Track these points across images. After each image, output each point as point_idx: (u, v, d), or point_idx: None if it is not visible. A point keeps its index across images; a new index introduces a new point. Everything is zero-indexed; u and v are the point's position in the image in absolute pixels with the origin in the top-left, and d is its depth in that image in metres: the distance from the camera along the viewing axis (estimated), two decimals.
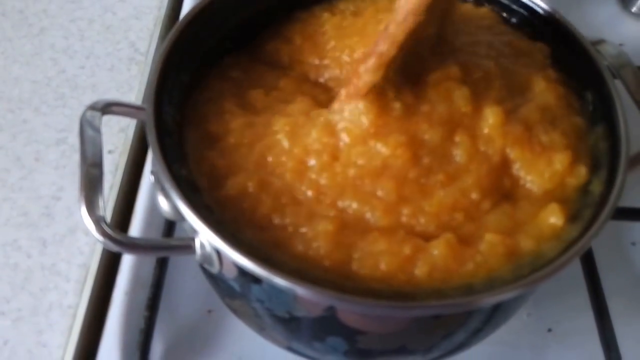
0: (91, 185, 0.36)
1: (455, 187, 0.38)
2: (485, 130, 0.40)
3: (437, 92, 0.40)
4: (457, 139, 0.39)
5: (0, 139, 0.58)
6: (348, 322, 0.36)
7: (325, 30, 0.46)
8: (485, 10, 0.49)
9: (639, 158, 0.41)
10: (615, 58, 0.45)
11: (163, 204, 0.37)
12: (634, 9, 0.74)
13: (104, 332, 0.48)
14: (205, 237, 0.35)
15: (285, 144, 0.39)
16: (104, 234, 0.35)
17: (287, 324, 0.39)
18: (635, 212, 0.55)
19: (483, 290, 0.33)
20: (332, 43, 0.45)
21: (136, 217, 0.55)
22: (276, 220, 0.37)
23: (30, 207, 0.54)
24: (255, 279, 0.35)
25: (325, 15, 0.48)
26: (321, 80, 0.45)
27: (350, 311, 0.35)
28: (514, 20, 0.49)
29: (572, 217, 0.37)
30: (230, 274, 0.38)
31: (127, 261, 0.52)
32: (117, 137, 0.59)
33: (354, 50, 0.44)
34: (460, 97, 0.40)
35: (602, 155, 0.40)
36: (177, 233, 0.53)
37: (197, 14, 0.44)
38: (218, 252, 0.36)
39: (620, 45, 0.47)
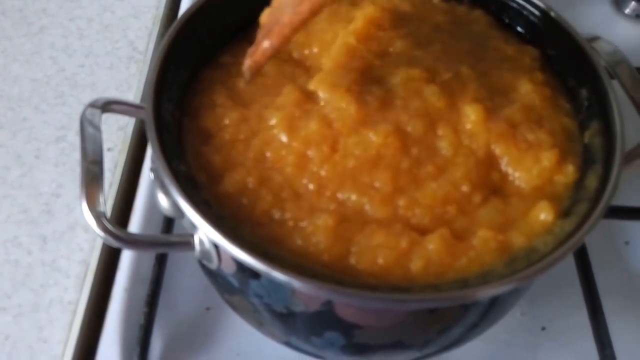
0: (92, 181, 0.37)
1: (445, 180, 0.39)
2: (468, 126, 0.41)
3: (405, 89, 0.42)
4: (440, 132, 0.40)
5: (1, 137, 0.59)
6: (345, 317, 0.37)
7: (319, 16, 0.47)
8: (478, 13, 0.49)
9: (635, 154, 0.42)
10: (611, 55, 0.46)
11: (162, 201, 0.38)
12: (627, 11, 0.74)
13: (104, 328, 0.49)
14: (204, 233, 0.35)
15: (284, 138, 0.40)
16: (104, 229, 0.35)
17: (285, 319, 0.39)
18: (629, 210, 0.56)
19: (478, 284, 0.33)
20: (322, 25, 0.46)
21: (135, 214, 0.55)
22: (276, 215, 0.38)
23: (30, 204, 0.55)
24: (254, 274, 0.36)
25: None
26: (302, 57, 0.46)
27: (347, 305, 0.36)
28: (508, 19, 0.49)
29: (565, 213, 0.38)
30: (229, 269, 0.38)
31: (127, 258, 0.52)
32: (117, 135, 0.60)
33: (339, 34, 0.45)
34: (431, 93, 0.42)
35: (598, 150, 0.40)
36: (176, 230, 0.53)
37: (194, 13, 0.44)
38: (217, 248, 0.37)
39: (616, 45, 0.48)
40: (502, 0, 0.49)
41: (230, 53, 0.47)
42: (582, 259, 0.52)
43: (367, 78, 0.42)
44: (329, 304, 0.36)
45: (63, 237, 0.53)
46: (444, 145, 0.40)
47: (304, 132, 0.40)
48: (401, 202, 0.38)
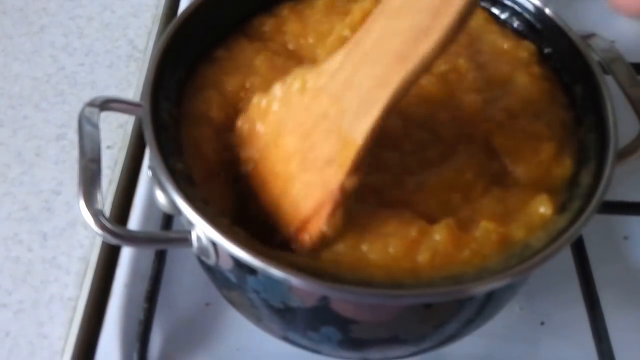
0: (89, 179, 0.37)
1: (448, 165, 0.39)
2: (467, 114, 0.41)
3: None
4: (440, 118, 0.41)
5: (1, 135, 0.59)
6: (341, 312, 0.37)
7: (315, 6, 0.47)
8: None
9: (630, 150, 0.42)
10: (606, 52, 0.46)
11: (160, 197, 0.38)
12: None
13: (104, 324, 0.49)
14: (201, 230, 0.36)
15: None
16: (102, 227, 0.36)
17: (283, 315, 0.39)
18: (628, 205, 0.56)
19: (471, 280, 0.34)
20: (318, 16, 0.46)
21: (135, 211, 0.56)
22: None
23: (30, 201, 0.55)
24: (251, 270, 0.36)
25: None
26: (297, 48, 0.46)
27: (343, 301, 0.36)
28: (504, 16, 0.49)
29: (560, 208, 0.38)
30: (226, 265, 0.39)
31: (127, 254, 0.53)
32: (116, 133, 0.60)
33: (335, 26, 0.45)
34: (429, 83, 0.42)
35: (591, 147, 0.40)
36: (176, 227, 0.54)
37: (193, 11, 0.44)
38: (214, 244, 0.37)
39: (612, 42, 0.48)
40: None
41: (224, 47, 0.46)
42: (580, 254, 0.52)
43: None
44: (325, 299, 0.36)
45: (63, 234, 0.53)
46: (445, 131, 0.40)
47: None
48: (410, 185, 0.38)
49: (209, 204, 0.37)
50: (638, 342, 0.49)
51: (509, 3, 0.49)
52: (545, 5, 0.47)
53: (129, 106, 0.42)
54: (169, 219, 0.54)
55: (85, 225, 0.53)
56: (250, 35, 0.47)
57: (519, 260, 0.35)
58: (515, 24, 0.48)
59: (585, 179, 0.39)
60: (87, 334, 0.50)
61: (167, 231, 0.52)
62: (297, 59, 0.45)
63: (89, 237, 0.53)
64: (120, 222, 0.55)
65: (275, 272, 0.33)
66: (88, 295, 0.51)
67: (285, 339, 0.43)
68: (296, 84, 0.36)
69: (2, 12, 0.70)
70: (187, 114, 0.42)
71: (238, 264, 0.37)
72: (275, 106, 0.37)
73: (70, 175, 0.57)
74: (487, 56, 0.46)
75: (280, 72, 0.43)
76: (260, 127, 0.38)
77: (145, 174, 0.58)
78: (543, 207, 0.38)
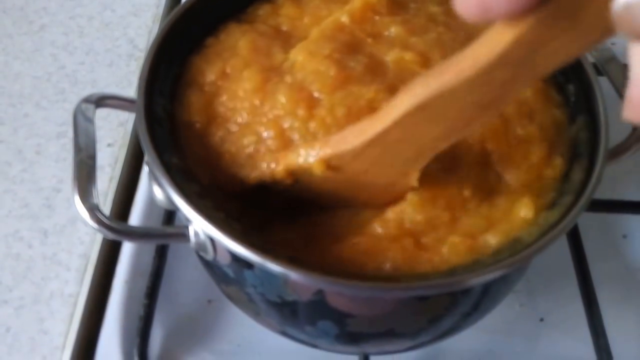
0: (84, 174, 0.37)
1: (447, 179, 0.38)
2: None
3: (397, 66, 0.41)
4: None
5: (2, 133, 0.60)
6: (337, 306, 0.37)
7: None
8: None
9: (622, 148, 0.42)
10: (601, 52, 0.46)
11: (157, 193, 0.38)
12: None
13: (104, 320, 0.49)
14: (199, 225, 0.36)
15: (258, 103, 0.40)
16: (98, 221, 0.36)
17: (280, 309, 0.40)
18: (626, 204, 0.56)
19: (463, 273, 0.34)
20: (317, 3, 0.46)
21: (135, 208, 0.56)
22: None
23: (31, 198, 0.55)
24: (248, 265, 0.36)
25: None
26: (291, 29, 0.45)
27: (338, 294, 0.36)
28: None
29: (551, 204, 0.38)
30: (224, 260, 0.39)
31: (127, 251, 0.53)
32: (117, 131, 0.60)
33: (333, 13, 0.44)
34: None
35: (583, 144, 0.40)
36: (177, 224, 0.54)
37: (188, 8, 0.44)
38: (211, 239, 0.37)
39: (612, 44, 0.48)
40: None
41: (214, 34, 0.45)
42: (579, 252, 0.52)
43: (354, 50, 0.42)
44: (320, 293, 0.36)
45: (64, 231, 0.54)
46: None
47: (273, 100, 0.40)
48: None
49: (205, 198, 0.37)
50: (634, 338, 0.50)
51: None
52: None
53: (125, 102, 0.43)
54: (170, 218, 0.54)
55: (86, 222, 0.54)
56: (242, 20, 0.47)
57: (510, 254, 0.35)
58: None
59: (577, 175, 0.39)
60: (87, 330, 0.50)
61: (164, 226, 0.53)
62: (283, 39, 0.44)
63: (90, 234, 0.54)
64: (122, 220, 0.55)
65: (271, 265, 0.33)
66: (88, 291, 0.51)
67: (284, 333, 0.43)
68: (309, 166, 0.36)
69: (3, 11, 0.70)
70: (179, 111, 0.42)
71: (235, 258, 0.37)
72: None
73: (71, 173, 0.57)
74: None
75: (262, 54, 0.42)
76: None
77: (146, 171, 0.58)
78: (524, 211, 0.37)
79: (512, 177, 0.39)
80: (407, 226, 0.37)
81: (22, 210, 0.55)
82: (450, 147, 0.36)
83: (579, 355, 0.48)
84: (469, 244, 0.36)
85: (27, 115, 0.61)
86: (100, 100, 0.41)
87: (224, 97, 0.41)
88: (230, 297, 0.45)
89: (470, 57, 0.28)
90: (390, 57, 0.42)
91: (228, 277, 0.41)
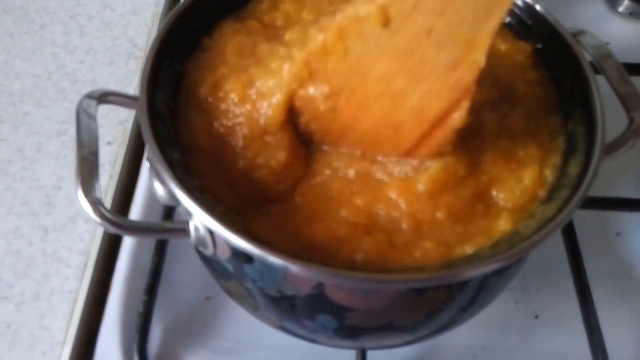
0: (87, 169, 0.37)
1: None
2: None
3: None
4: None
5: (3, 131, 0.60)
6: (336, 299, 0.38)
7: None
8: None
9: (617, 145, 0.42)
10: (597, 49, 0.46)
11: (158, 188, 0.38)
12: (620, 9, 0.74)
13: (104, 316, 0.50)
14: (199, 219, 0.36)
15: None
16: (101, 216, 0.36)
17: (279, 303, 0.40)
18: (621, 202, 0.56)
19: (460, 266, 0.34)
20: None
21: (135, 206, 0.56)
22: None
23: (31, 196, 0.56)
24: (247, 259, 0.36)
25: None
26: (286, 22, 0.46)
27: (337, 288, 0.37)
28: None
29: (547, 199, 0.39)
30: (223, 255, 0.39)
31: (127, 248, 0.53)
32: (116, 129, 0.61)
33: (333, 4, 0.44)
34: None
35: (580, 139, 0.41)
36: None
37: (188, 5, 0.44)
38: (211, 234, 0.38)
39: (607, 44, 0.48)
40: None
41: (210, 34, 0.46)
42: (573, 250, 0.53)
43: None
44: (319, 286, 0.37)
45: (64, 228, 0.54)
46: None
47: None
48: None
49: (205, 193, 0.37)
50: (628, 334, 0.50)
51: None
52: (536, 1, 0.47)
53: (127, 99, 0.43)
54: (169, 215, 0.54)
55: (86, 219, 0.54)
56: (240, 16, 0.47)
57: (508, 247, 0.35)
58: (507, 19, 0.49)
59: (573, 169, 0.40)
60: (87, 326, 0.50)
61: (165, 221, 0.53)
62: (271, 33, 0.45)
63: (90, 231, 0.54)
64: None
65: (271, 258, 0.34)
66: (88, 288, 0.51)
67: (282, 328, 0.44)
68: (367, 14, 0.37)
69: (3, 10, 0.71)
70: (182, 108, 0.42)
71: (235, 253, 0.38)
72: (344, 41, 0.38)
73: (71, 170, 0.57)
74: (491, 59, 0.46)
75: (246, 55, 0.43)
76: (330, 65, 0.39)
77: (146, 168, 0.59)
78: (502, 223, 0.38)
79: (507, 201, 0.40)
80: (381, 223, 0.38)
81: (23, 207, 0.55)
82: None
83: (574, 352, 0.49)
84: (442, 251, 0.37)
85: (28, 113, 0.61)
86: (103, 97, 0.41)
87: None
88: (229, 293, 0.45)
89: None
90: None
91: (227, 272, 0.41)
